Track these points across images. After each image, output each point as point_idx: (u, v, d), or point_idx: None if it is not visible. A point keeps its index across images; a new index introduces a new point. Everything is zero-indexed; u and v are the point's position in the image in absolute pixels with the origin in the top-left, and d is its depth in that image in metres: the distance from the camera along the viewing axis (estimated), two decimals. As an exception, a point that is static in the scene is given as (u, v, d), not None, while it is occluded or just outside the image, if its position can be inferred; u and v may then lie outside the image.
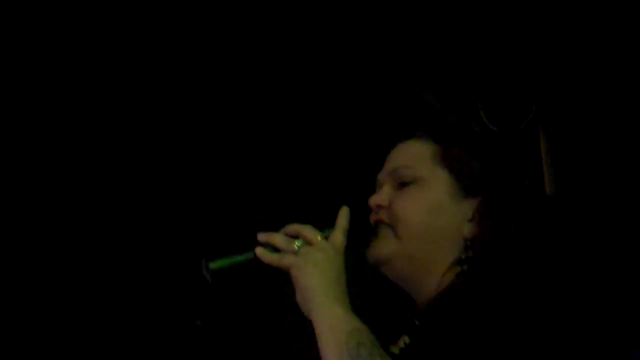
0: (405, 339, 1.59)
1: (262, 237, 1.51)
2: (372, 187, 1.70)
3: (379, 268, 1.60)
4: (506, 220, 1.51)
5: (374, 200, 1.63)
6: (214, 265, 1.51)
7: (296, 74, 3.55)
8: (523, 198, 1.57)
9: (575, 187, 3.34)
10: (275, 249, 1.50)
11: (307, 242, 1.50)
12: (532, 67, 3.44)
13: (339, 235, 1.52)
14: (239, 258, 1.53)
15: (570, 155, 3.40)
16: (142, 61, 3.43)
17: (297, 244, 1.50)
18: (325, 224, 1.56)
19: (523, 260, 1.41)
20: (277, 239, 1.51)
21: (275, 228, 1.55)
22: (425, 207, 1.56)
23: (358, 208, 1.62)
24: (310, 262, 1.45)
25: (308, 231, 1.51)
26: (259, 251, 1.50)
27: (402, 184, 1.61)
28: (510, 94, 3.47)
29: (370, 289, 1.68)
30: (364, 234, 1.61)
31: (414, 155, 1.63)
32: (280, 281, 1.53)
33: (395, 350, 1.56)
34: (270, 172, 3.84)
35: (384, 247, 1.57)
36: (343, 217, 1.55)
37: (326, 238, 1.51)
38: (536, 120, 3.45)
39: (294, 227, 1.53)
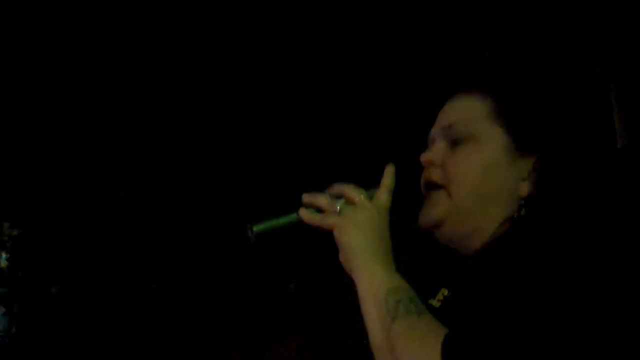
0: (444, 291, 1.57)
1: (306, 198, 1.48)
2: (422, 145, 1.63)
3: (431, 232, 1.55)
4: (564, 180, 1.46)
5: (427, 157, 1.57)
6: (257, 227, 1.48)
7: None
8: (584, 157, 1.51)
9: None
10: (318, 210, 1.47)
11: (350, 202, 1.47)
12: (602, 13, 3.27)
13: (383, 194, 1.48)
14: (283, 220, 1.49)
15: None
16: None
17: (340, 204, 1.47)
18: (371, 183, 1.50)
19: (578, 222, 1.33)
20: (320, 199, 1.47)
21: (321, 189, 1.51)
22: (480, 168, 1.50)
23: (406, 167, 1.57)
24: (352, 222, 1.43)
25: (351, 190, 1.47)
26: (302, 212, 1.47)
27: (456, 141, 1.54)
28: (579, 41, 3.31)
29: (415, 245, 1.65)
30: (412, 193, 1.57)
31: (469, 111, 1.56)
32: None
33: (434, 303, 1.55)
34: (315, 130, 3.80)
35: (437, 209, 1.52)
36: (388, 175, 1.50)
37: (370, 197, 1.47)
38: (606, 69, 3.29)
39: (337, 187, 1.49)
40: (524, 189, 1.46)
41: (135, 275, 3.98)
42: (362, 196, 1.46)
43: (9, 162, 3.61)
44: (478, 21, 3.30)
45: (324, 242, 1.47)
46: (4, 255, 3.52)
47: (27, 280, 3.59)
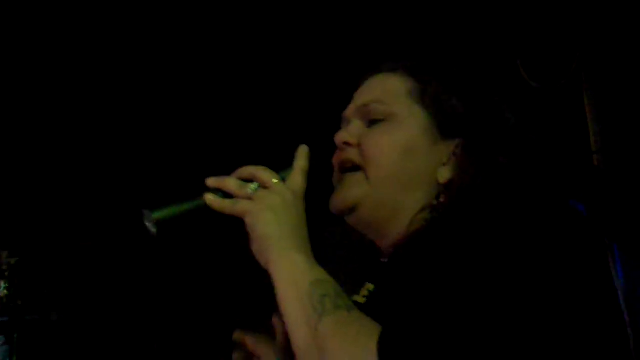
0: (368, 286, 1.46)
1: (212, 182, 1.34)
2: (336, 126, 1.52)
3: (345, 215, 1.44)
4: (485, 167, 1.36)
5: (342, 137, 1.46)
6: (157, 215, 1.31)
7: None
8: (506, 145, 1.39)
9: (620, 140, 3.26)
10: (227, 195, 1.33)
11: (263, 186, 1.33)
12: (574, 19, 3.35)
13: (297, 177, 1.36)
14: (186, 206, 1.33)
15: (615, 109, 3.32)
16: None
17: (251, 188, 1.33)
18: (283, 166, 1.38)
19: (498, 209, 1.22)
20: (230, 183, 1.33)
21: (228, 172, 1.37)
22: (398, 147, 1.40)
23: (320, 148, 1.45)
24: (267, 207, 1.29)
25: (263, 173, 1.34)
26: (209, 198, 1.32)
27: (374, 121, 1.44)
28: (550, 48, 3.38)
29: (331, 235, 1.54)
30: (327, 175, 1.46)
31: (388, 90, 1.46)
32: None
33: (359, 299, 1.44)
34: (220, 108, 3.61)
35: (352, 192, 1.42)
36: (302, 157, 1.38)
37: (284, 180, 1.35)
38: (579, 74, 3.37)
39: (247, 170, 1.35)
40: (444, 174, 1.38)
41: (135, 302, 3.99)
42: (276, 179, 1.34)
43: (6, 190, 3.64)
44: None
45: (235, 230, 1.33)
46: (2, 284, 3.55)
47: (27, 308, 3.62)
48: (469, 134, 1.40)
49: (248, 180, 1.34)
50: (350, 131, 1.46)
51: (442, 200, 1.36)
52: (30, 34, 3.21)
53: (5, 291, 3.55)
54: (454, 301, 1.09)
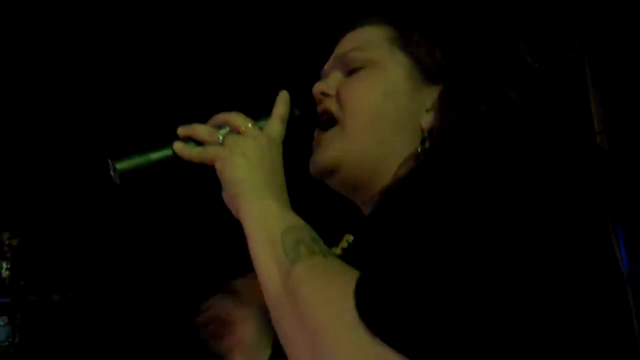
0: (348, 238, 1.40)
1: (182, 130, 1.27)
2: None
3: (326, 179, 1.37)
4: (469, 112, 1.28)
5: (319, 87, 1.39)
6: (122, 165, 1.22)
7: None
8: (492, 92, 1.32)
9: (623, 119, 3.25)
10: (198, 143, 1.26)
11: (235, 131, 1.26)
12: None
13: (275, 123, 1.28)
14: (154, 155, 1.24)
15: (619, 89, 3.31)
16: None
17: (222, 133, 1.26)
18: (262, 114, 1.30)
19: (483, 156, 1.15)
20: (200, 130, 1.26)
21: (203, 121, 1.30)
22: (378, 92, 1.33)
23: (304, 100, 1.38)
24: (238, 151, 1.22)
25: (236, 118, 1.27)
26: (178, 146, 1.25)
27: (353, 70, 1.38)
28: (553, 28, 3.37)
29: (311, 188, 1.45)
30: (310, 125, 1.38)
31: (367, 38, 1.40)
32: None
33: (337, 251, 1.37)
34: (198, 54, 3.49)
35: (330, 151, 1.34)
36: (281, 103, 1.31)
37: (261, 129, 1.27)
38: (581, 55, 3.36)
39: (220, 116, 1.28)
40: (427, 120, 1.31)
41: (137, 281, 4.00)
42: (249, 124, 1.26)
43: (7, 171, 3.63)
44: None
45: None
46: (4, 265, 3.56)
47: (29, 289, 3.62)
48: (451, 80, 1.34)
49: (221, 126, 1.27)
50: (329, 82, 1.40)
51: (426, 146, 1.30)
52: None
53: (8, 272, 3.56)
54: (436, 251, 1.02)
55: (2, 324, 3.51)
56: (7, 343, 3.50)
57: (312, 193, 1.45)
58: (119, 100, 3.67)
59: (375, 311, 1.00)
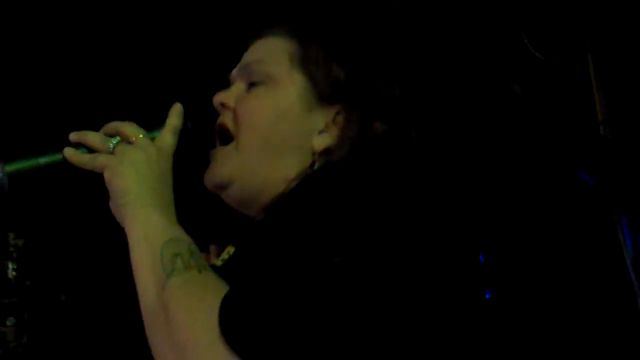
0: (229, 249, 1.42)
1: (74, 135, 1.29)
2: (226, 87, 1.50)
3: (219, 191, 1.41)
4: (362, 136, 1.33)
5: (219, 98, 1.43)
6: (10, 167, 1.25)
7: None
8: (388, 109, 1.37)
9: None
10: (90, 150, 1.28)
11: (126, 140, 1.28)
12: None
13: (166, 134, 1.31)
14: (43, 160, 1.27)
15: (621, 79, 3.30)
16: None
17: (113, 142, 1.28)
18: (156, 125, 1.33)
19: (368, 181, 1.20)
20: (91, 137, 1.28)
21: (96, 128, 1.32)
22: (272, 112, 1.37)
23: (201, 112, 1.42)
24: (127, 162, 1.24)
25: (128, 128, 1.29)
26: (69, 151, 1.27)
27: (254, 83, 1.42)
28: (555, 18, 3.36)
29: (201, 198, 1.48)
30: (204, 138, 1.42)
31: (271, 51, 1.44)
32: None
33: (217, 262, 1.40)
34: (95, 62, 3.40)
35: (223, 168, 1.39)
36: (175, 115, 1.34)
37: (153, 140, 1.30)
38: (584, 44, 3.35)
39: (112, 125, 1.31)
40: (319, 142, 1.35)
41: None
42: (140, 135, 1.28)
43: (37, 141, 3.60)
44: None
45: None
46: (10, 265, 3.57)
47: (36, 289, 3.63)
48: (348, 102, 1.37)
49: (113, 135, 1.30)
50: (229, 93, 1.44)
51: (316, 168, 1.33)
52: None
53: (14, 272, 3.56)
54: (304, 269, 1.06)
55: (9, 324, 3.52)
56: (15, 343, 3.51)
57: (203, 203, 1.48)
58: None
59: (235, 329, 1.03)
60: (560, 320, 3.12)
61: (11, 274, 3.58)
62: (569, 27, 3.39)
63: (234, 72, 1.48)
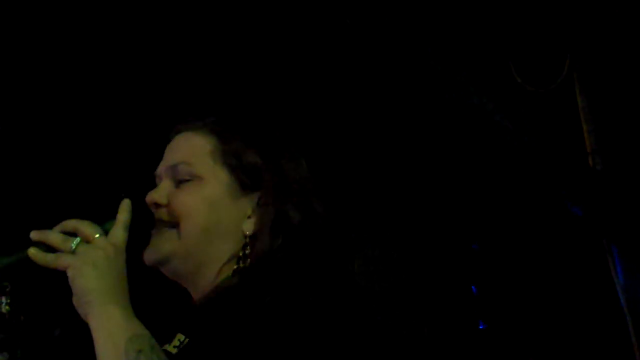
0: (179, 337, 1.51)
1: (35, 235, 1.37)
2: (153, 180, 1.63)
3: (157, 266, 1.52)
4: (283, 216, 1.50)
5: (151, 198, 1.54)
6: None
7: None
8: (302, 187, 1.55)
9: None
10: (50, 249, 1.36)
11: (85, 240, 1.37)
12: (565, 20, 3.36)
13: (119, 230, 1.41)
14: (7, 260, 1.37)
15: (609, 109, 3.33)
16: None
17: (74, 242, 1.36)
18: (107, 217, 1.43)
19: (296, 264, 1.41)
20: (53, 237, 1.37)
21: (51, 225, 1.40)
22: (203, 205, 1.51)
23: (140, 200, 1.54)
24: (89, 262, 1.33)
25: (87, 227, 1.38)
26: (32, 251, 1.35)
27: (181, 181, 1.55)
28: (542, 50, 3.40)
29: (148, 284, 1.63)
30: (147, 228, 1.53)
31: (193, 151, 1.58)
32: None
33: (170, 349, 1.49)
34: (42, 163, 3.50)
35: (163, 247, 1.50)
36: (124, 210, 1.44)
37: (106, 232, 1.40)
38: (571, 76, 3.38)
39: (71, 223, 1.39)
40: (248, 226, 1.50)
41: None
42: (98, 234, 1.37)
43: (9, 205, 3.63)
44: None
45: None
46: (4, 300, 3.55)
47: (29, 324, 3.61)
48: (267, 188, 1.53)
49: (71, 233, 1.37)
50: (160, 192, 1.55)
51: (247, 251, 1.48)
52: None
53: (7, 307, 3.54)
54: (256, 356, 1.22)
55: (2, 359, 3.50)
56: (8, 379, 3.49)
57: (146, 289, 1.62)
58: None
59: None
60: (553, 348, 3.12)
61: (5, 308, 3.56)
62: (556, 58, 3.42)
63: (159, 170, 1.60)
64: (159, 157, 1.64)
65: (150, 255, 1.51)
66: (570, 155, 3.22)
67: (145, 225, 1.52)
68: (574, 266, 3.19)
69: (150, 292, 1.65)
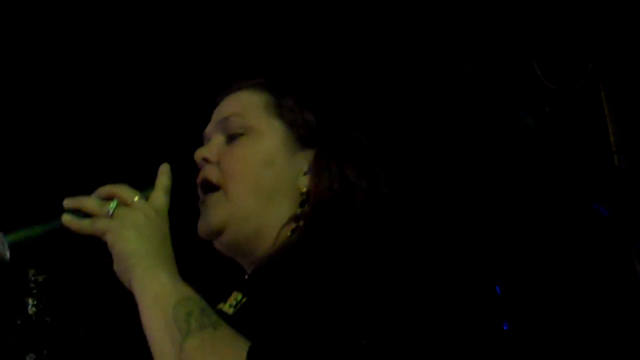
0: (236, 295, 1.41)
1: (68, 202, 1.30)
2: (200, 143, 1.53)
3: (214, 238, 1.44)
4: (343, 173, 1.39)
5: (201, 154, 1.46)
6: (11, 238, 1.26)
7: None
8: (361, 150, 1.44)
9: None
10: (86, 215, 1.29)
11: (123, 204, 1.29)
12: (589, 18, 3.33)
13: (159, 194, 1.33)
14: (42, 228, 1.28)
15: (634, 107, 3.29)
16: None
17: (111, 206, 1.28)
18: (145, 186, 1.35)
19: (358, 217, 1.28)
20: (88, 202, 1.29)
21: (88, 193, 1.33)
22: (257, 161, 1.41)
23: (183, 167, 1.44)
24: (128, 224, 1.25)
25: (123, 191, 1.30)
26: (67, 218, 1.27)
27: (233, 136, 1.45)
28: (566, 48, 3.37)
29: (198, 249, 1.51)
30: (191, 192, 1.45)
31: (245, 105, 1.48)
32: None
33: (226, 308, 1.39)
34: (80, 127, 3.45)
35: (215, 216, 1.41)
36: (164, 175, 1.36)
37: (146, 199, 1.31)
38: (596, 73, 3.35)
39: (106, 189, 1.31)
40: (305, 183, 1.40)
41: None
42: (137, 197, 1.30)
43: (32, 208, 3.66)
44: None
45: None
46: (30, 301, 3.59)
47: (55, 325, 3.65)
48: (322, 143, 1.43)
49: (108, 199, 1.30)
50: (210, 147, 1.46)
51: (305, 209, 1.38)
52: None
53: (34, 309, 3.58)
54: (320, 318, 1.08)
55: (29, 360, 3.54)
56: (35, 380, 3.53)
57: (199, 250, 1.50)
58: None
59: None
60: (579, 349, 3.10)
61: (31, 310, 3.61)
62: (580, 56, 3.39)
63: (208, 129, 1.51)
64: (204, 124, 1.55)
65: (203, 228, 1.42)
66: (594, 154, 3.19)
67: (190, 190, 1.44)
68: (599, 266, 3.17)
69: (200, 268, 1.50)
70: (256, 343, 1.10)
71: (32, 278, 3.59)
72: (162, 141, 3.26)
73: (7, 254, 1.25)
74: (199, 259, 1.49)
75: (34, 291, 3.62)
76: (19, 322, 3.59)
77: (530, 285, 3.20)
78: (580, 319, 3.14)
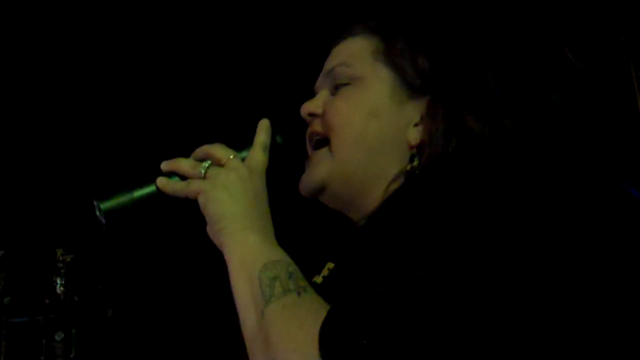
0: (329, 265, 1.36)
1: (165, 165, 1.25)
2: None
3: (316, 196, 1.35)
4: (457, 125, 1.24)
5: (306, 107, 1.37)
6: (106, 205, 1.21)
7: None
8: (480, 99, 1.28)
9: None
10: (182, 178, 1.24)
11: (217, 163, 1.24)
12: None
13: (257, 152, 1.26)
14: (138, 193, 1.23)
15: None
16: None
17: (203, 166, 1.23)
18: (245, 143, 1.29)
19: (474, 173, 1.12)
20: (182, 163, 1.24)
21: (187, 154, 1.28)
22: (362, 111, 1.30)
23: (291, 124, 1.37)
24: (219, 185, 1.20)
25: (218, 150, 1.25)
26: (161, 181, 1.23)
27: (339, 86, 1.35)
28: (596, 28, 3.33)
29: (298, 212, 1.44)
30: (296, 151, 1.36)
31: (352, 52, 1.37)
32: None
33: (318, 280, 1.34)
34: (177, 85, 3.44)
35: (317, 171, 1.32)
36: (263, 131, 1.29)
37: (244, 159, 1.25)
38: (627, 55, 3.31)
39: (202, 149, 1.26)
40: (415, 135, 1.27)
41: (188, 297, 4.03)
42: (231, 156, 1.24)
43: (60, 188, 3.69)
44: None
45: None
46: (59, 281, 3.63)
47: (83, 304, 3.69)
48: (437, 91, 1.29)
49: (203, 159, 1.25)
50: (316, 101, 1.38)
51: (415, 163, 1.26)
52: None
53: (62, 288, 3.62)
54: (408, 284, 1.00)
55: (58, 339, 3.58)
56: (63, 358, 3.57)
57: (300, 218, 1.45)
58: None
59: (334, 356, 0.99)
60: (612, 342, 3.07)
61: (60, 289, 3.64)
62: (610, 36, 3.36)
63: (318, 82, 1.42)
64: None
65: (304, 185, 1.35)
66: (625, 136, 3.16)
67: (295, 148, 1.36)
68: (629, 247, 3.13)
69: (301, 221, 1.44)
70: (336, 306, 1.05)
71: (61, 258, 3.62)
72: (272, 97, 3.16)
73: (104, 220, 1.22)
74: (302, 228, 1.45)
75: (62, 271, 3.65)
76: (47, 301, 3.63)
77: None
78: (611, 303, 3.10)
